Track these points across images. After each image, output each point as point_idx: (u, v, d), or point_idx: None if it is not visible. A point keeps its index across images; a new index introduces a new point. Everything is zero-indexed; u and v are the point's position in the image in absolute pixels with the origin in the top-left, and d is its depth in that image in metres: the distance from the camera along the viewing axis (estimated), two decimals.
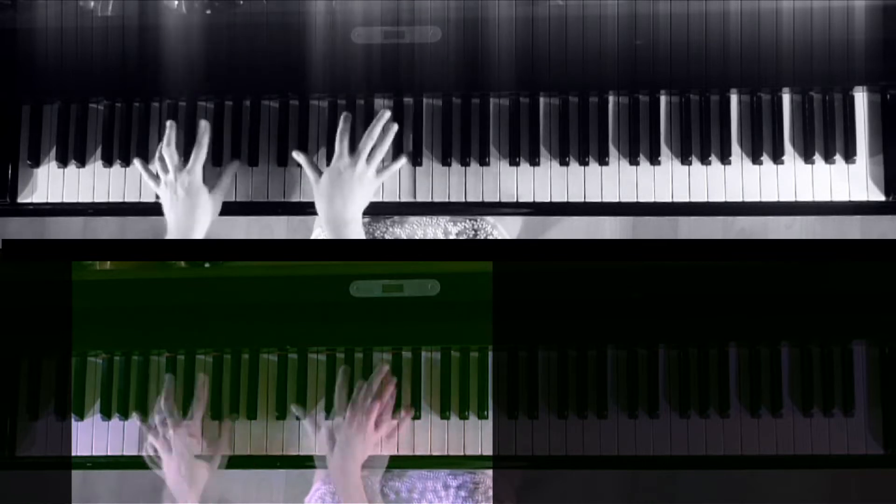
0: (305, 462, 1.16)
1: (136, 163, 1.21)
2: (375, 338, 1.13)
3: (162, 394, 1.15)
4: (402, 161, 1.19)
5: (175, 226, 1.16)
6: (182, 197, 1.15)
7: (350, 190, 1.13)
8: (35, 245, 1.26)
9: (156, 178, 1.19)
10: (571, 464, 1.13)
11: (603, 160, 1.20)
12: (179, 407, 1.15)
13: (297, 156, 1.19)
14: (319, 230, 1.42)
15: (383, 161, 1.18)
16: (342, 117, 1.17)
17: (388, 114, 1.17)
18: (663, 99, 1.20)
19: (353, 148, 1.15)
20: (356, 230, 1.15)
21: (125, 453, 1.18)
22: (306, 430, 1.15)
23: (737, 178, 1.19)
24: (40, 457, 1.18)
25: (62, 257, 1.17)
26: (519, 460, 1.13)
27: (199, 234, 1.16)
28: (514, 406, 1.13)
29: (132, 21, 1.19)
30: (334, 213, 1.14)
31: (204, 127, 1.17)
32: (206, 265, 1.19)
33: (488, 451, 1.13)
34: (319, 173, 1.17)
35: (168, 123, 1.19)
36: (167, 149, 1.17)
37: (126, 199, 1.25)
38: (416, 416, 1.14)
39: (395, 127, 1.18)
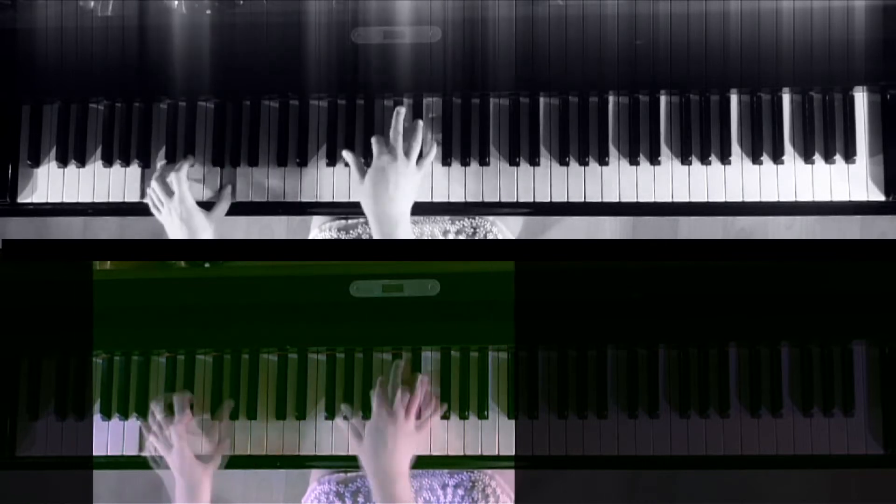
0: (306, 462, 1.16)
1: (149, 191, 1.23)
2: (375, 338, 1.13)
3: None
4: (435, 148, 1.19)
5: None
6: (179, 224, 1.18)
7: (395, 186, 1.13)
8: (35, 245, 1.26)
9: (158, 209, 1.21)
10: (571, 464, 1.13)
11: (603, 160, 1.20)
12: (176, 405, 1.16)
13: (347, 155, 1.18)
14: (318, 230, 1.42)
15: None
16: (395, 114, 1.15)
17: (403, 110, 1.16)
18: (663, 99, 1.20)
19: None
20: (405, 226, 1.14)
21: (125, 453, 1.18)
22: (339, 430, 1.15)
23: (737, 178, 1.19)
24: (40, 457, 1.18)
25: (62, 257, 1.17)
26: (518, 460, 1.13)
27: None
28: (514, 406, 1.13)
29: (132, 21, 1.19)
30: (382, 210, 1.13)
31: (186, 159, 1.22)
32: (206, 265, 1.19)
33: (488, 451, 1.13)
34: (363, 175, 1.16)
35: (190, 158, 1.22)
36: (155, 183, 1.20)
37: (126, 199, 1.25)
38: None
39: (420, 122, 1.17)
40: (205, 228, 1.20)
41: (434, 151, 1.18)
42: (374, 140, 1.15)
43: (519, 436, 1.13)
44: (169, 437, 1.13)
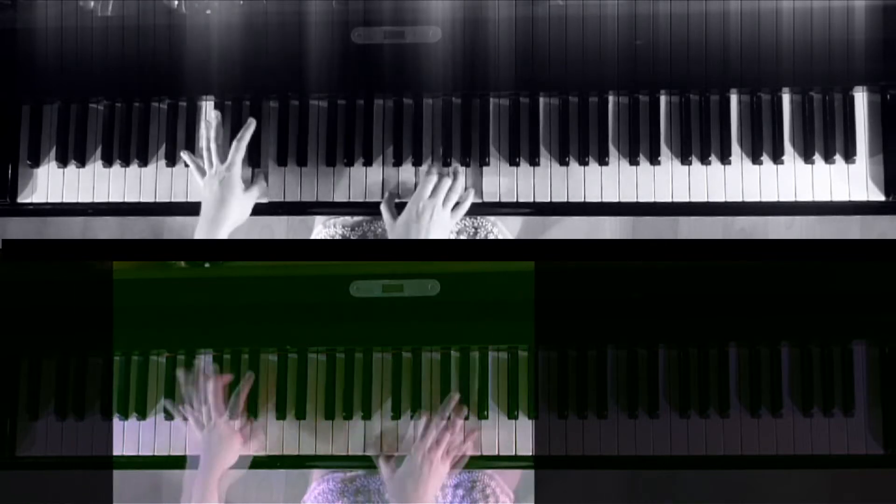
0: (306, 462, 1.16)
1: (184, 155, 1.22)
2: (375, 338, 1.13)
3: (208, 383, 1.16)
4: (472, 197, 1.20)
5: (205, 217, 1.17)
6: (216, 190, 1.17)
7: (427, 233, 1.15)
8: (35, 245, 1.26)
9: (201, 170, 1.20)
10: (571, 464, 1.13)
11: (603, 160, 1.20)
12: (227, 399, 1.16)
13: (386, 202, 1.20)
14: (322, 226, 1.42)
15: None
16: (427, 176, 1.18)
17: (462, 171, 1.20)
18: (663, 99, 1.20)
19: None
20: None
21: (125, 453, 1.18)
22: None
23: (737, 178, 1.19)
24: (40, 457, 1.18)
25: (62, 257, 1.17)
26: (519, 460, 1.13)
27: (225, 229, 1.16)
28: (515, 406, 1.13)
29: (132, 21, 1.19)
30: None
31: (248, 123, 1.18)
32: (206, 265, 1.19)
33: (488, 451, 1.13)
34: (394, 216, 1.19)
35: (214, 115, 1.20)
36: (213, 144, 1.19)
37: (126, 199, 1.25)
38: (416, 416, 1.14)
39: (463, 170, 1.20)
40: (238, 200, 1.17)
41: (469, 201, 1.20)
42: (424, 179, 1.17)
43: (539, 435, 1.12)
44: (208, 416, 1.13)
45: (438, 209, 1.16)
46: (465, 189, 1.21)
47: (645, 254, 1.12)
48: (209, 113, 1.23)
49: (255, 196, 1.21)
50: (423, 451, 1.08)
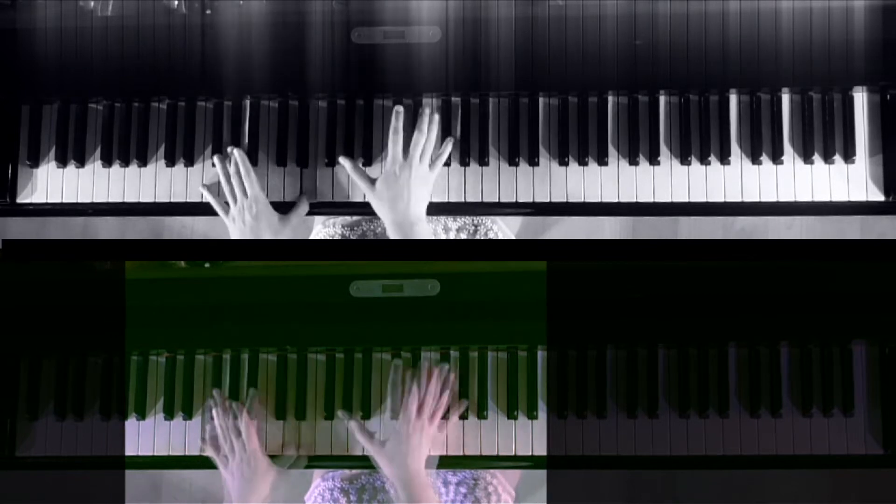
0: (309, 462, 1.16)
1: (205, 193, 1.21)
2: (375, 338, 1.13)
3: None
4: (449, 147, 1.19)
5: None
6: (249, 223, 1.17)
7: (410, 191, 1.14)
8: (35, 245, 1.26)
9: (225, 207, 1.20)
10: (571, 464, 1.13)
11: (602, 160, 1.20)
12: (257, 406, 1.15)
13: (345, 161, 1.18)
14: (321, 226, 1.42)
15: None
16: (395, 114, 1.16)
17: (428, 109, 1.17)
18: (662, 99, 1.20)
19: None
20: (425, 229, 1.15)
21: (125, 453, 1.18)
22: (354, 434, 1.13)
23: (736, 179, 1.19)
24: (40, 457, 1.18)
25: (61, 257, 1.17)
26: (518, 460, 1.13)
27: None
28: (515, 406, 1.13)
29: (132, 21, 1.19)
30: (400, 216, 1.14)
31: (239, 155, 1.18)
32: (206, 265, 1.19)
33: (487, 451, 1.13)
34: (370, 180, 1.17)
35: (216, 158, 1.20)
36: (227, 185, 1.18)
37: (126, 199, 1.25)
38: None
39: (437, 118, 1.18)
40: (276, 231, 1.18)
41: (448, 151, 1.19)
42: (391, 139, 1.15)
43: (551, 435, 1.12)
44: (238, 428, 1.12)
45: (416, 165, 1.14)
46: (444, 141, 1.19)
47: (653, 254, 1.12)
48: (215, 158, 1.21)
49: (294, 221, 1.20)
50: (407, 422, 1.08)
